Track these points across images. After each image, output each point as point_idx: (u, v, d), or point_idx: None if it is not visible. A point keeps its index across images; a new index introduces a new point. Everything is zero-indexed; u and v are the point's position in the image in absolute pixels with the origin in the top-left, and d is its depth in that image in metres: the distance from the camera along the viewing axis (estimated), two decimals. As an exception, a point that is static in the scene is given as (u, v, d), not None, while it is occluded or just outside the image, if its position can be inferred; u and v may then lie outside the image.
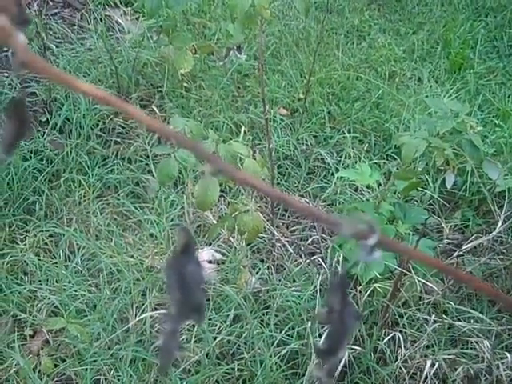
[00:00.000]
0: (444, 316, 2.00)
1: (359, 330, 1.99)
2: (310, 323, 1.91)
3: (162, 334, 0.44)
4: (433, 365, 1.90)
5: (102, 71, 2.98)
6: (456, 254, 2.10)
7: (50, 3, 3.43)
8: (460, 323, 2.00)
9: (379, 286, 2.00)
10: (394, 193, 2.40)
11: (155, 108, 2.76)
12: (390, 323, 2.02)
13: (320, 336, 1.92)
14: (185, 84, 2.87)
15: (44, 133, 2.70)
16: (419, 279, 1.96)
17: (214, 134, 1.76)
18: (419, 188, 2.35)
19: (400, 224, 2.09)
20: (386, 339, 1.93)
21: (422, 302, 2.02)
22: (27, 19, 0.33)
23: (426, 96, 2.93)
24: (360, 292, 2.01)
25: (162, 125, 0.37)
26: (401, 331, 1.98)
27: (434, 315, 1.96)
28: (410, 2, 3.73)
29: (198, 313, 0.44)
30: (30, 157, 2.59)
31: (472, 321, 2.03)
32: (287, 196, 0.39)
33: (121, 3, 3.37)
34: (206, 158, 0.37)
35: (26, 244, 2.31)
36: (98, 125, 2.75)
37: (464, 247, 2.12)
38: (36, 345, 2.07)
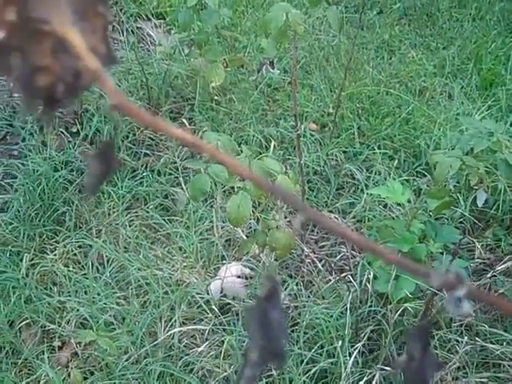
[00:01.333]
0: (476, 338, 1.97)
1: (389, 349, 1.97)
2: (340, 342, 1.89)
3: (242, 379, 0.43)
4: (464, 387, 1.88)
5: (133, 83, 3.00)
6: (489, 274, 2.07)
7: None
8: (492, 346, 1.97)
9: (410, 306, 1.98)
10: (425, 210, 2.38)
11: (185, 121, 2.76)
12: (421, 343, 1.99)
13: (350, 355, 1.90)
14: (215, 97, 2.87)
15: (75, 144, 2.72)
16: (451, 300, 1.93)
17: (248, 149, 1.75)
18: (450, 206, 2.32)
19: (431, 243, 2.06)
20: (417, 360, 1.90)
21: (455, 324, 1.99)
22: (115, 59, 0.33)
23: (457, 113, 2.90)
24: (390, 311, 1.99)
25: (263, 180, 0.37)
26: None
27: (466, 337, 1.93)
28: (440, 17, 3.71)
29: (279, 358, 0.44)
30: (61, 167, 2.60)
31: (505, 343, 2.00)
32: (371, 242, 0.39)
33: (152, 16, 3.39)
34: (299, 208, 0.36)
35: (55, 254, 2.33)
36: (128, 137, 2.76)
37: (497, 268, 2.09)
38: (65, 356, 2.07)
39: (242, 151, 1.74)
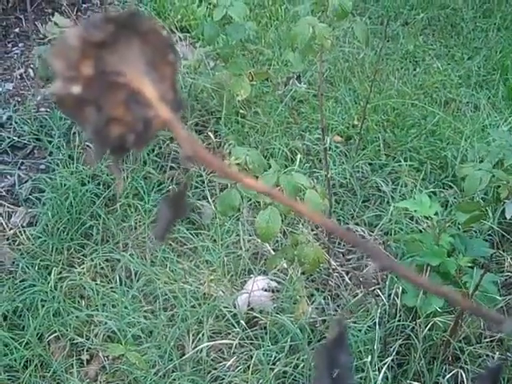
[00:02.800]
0: (508, 353, 1.95)
1: (419, 364, 1.96)
2: (369, 357, 1.88)
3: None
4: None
5: (158, 96, 3.01)
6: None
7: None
8: (524, 361, 1.94)
9: (439, 320, 1.96)
10: (453, 223, 2.36)
11: (211, 134, 2.78)
12: (451, 358, 1.97)
13: (379, 370, 1.89)
14: (240, 110, 2.88)
15: (102, 158, 2.73)
16: (482, 314, 1.91)
17: (276, 164, 1.76)
18: (478, 218, 2.30)
19: (461, 257, 2.05)
20: (448, 376, 1.89)
21: (485, 340, 1.97)
22: (183, 104, 0.33)
23: (484, 125, 2.88)
24: (419, 326, 1.97)
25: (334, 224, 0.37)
26: (462, 367, 1.93)
27: (497, 352, 1.91)
28: (465, 27, 3.70)
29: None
30: (88, 181, 2.62)
31: (536, 358, 1.97)
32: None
33: (177, 29, 3.41)
34: (373, 255, 0.36)
35: (83, 268, 2.34)
36: (154, 150, 2.78)
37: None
38: (93, 370, 2.08)
39: (270, 166, 1.75)
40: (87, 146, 2.77)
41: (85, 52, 0.29)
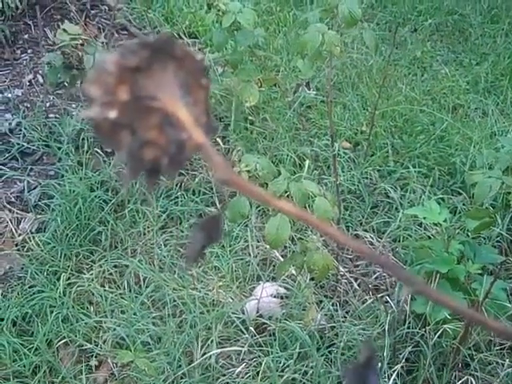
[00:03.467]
0: (518, 361, 1.94)
1: (428, 371, 1.95)
2: (379, 365, 1.88)
3: None
4: (506, 411, 1.85)
5: (166, 102, 3.02)
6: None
7: (116, 35, 3.51)
8: (534, 368, 1.93)
9: (449, 327, 1.95)
10: (462, 230, 2.35)
11: (219, 140, 2.78)
12: (461, 366, 1.97)
13: (388, 378, 1.88)
14: (249, 116, 2.88)
15: (110, 163, 2.75)
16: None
17: (285, 171, 1.76)
18: (487, 225, 2.29)
19: (470, 264, 2.04)
20: (458, 383, 1.88)
21: (495, 347, 1.96)
22: (216, 127, 0.33)
23: (493, 131, 2.87)
24: (429, 333, 1.97)
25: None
26: (472, 374, 1.92)
27: (507, 359, 1.90)
28: (473, 33, 3.69)
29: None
30: (97, 187, 2.63)
31: (547, 366, 1.96)
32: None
33: (185, 35, 3.42)
34: (405, 280, 0.36)
35: (92, 274, 2.34)
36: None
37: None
38: (102, 376, 2.08)
39: (279, 173, 1.75)
40: (96, 151, 2.78)
41: (121, 77, 0.29)
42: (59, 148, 2.81)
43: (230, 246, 2.38)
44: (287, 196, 1.74)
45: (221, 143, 2.75)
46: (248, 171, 1.64)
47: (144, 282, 2.30)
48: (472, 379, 1.88)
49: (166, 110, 0.30)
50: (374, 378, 0.42)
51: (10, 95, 3.15)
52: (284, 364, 2.01)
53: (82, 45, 2.65)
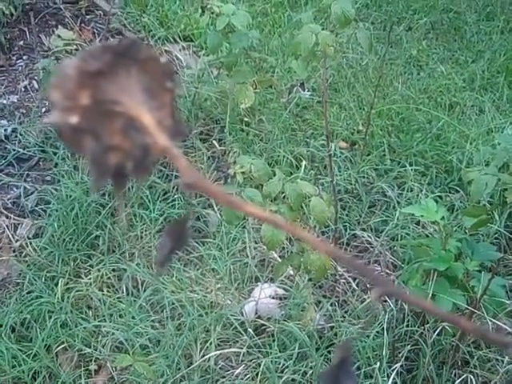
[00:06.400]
0: (517, 357, 1.94)
1: (428, 369, 1.95)
2: (378, 363, 1.87)
3: None
4: (506, 408, 1.85)
5: (162, 106, 3.01)
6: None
7: (111, 40, 3.51)
8: (534, 365, 1.93)
9: (448, 325, 1.95)
10: (459, 227, 2.35)
11: (215, 142, 2.78)
12: (460, 363, 1.97)
13: (388, 376, 1.88)
14: (244, 118, 2.88)
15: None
16: (490, 319, 1.90)
17: (281, 172, 1.76)
18: (485, 222, 2.29)
19: (468, 261, 2.04)
20: (458, 381, 1.88)
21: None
22: (183, 132, 0.33)
23: (489, 128, 2.87)
24: (428, 331, 1.97)
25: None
26: (471, 372, 1.92)
27: (506, 356, 1.90)
28: (468, 31, 3.69)
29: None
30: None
31: (546, 362, 1.96)
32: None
33: (180, 38, 3.42)
34: (375, 280, 0.36)
35: (90, 278, 2.34)
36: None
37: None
38: (101, 380, 2.08)
39: (275, 174, 1.75)
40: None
41: (81, 82, 0.29)
42: (55, 153, 2.80)
43: (228, 248, 2.38)
44: (283, 197, 1.74)
45: (217, 145, 2.75)
46: (243, 172, 1.64)
47: (142, 285, 2.29)
48: (472, 377, 1.88)
49: (130, 114, 0.30)
50: (349, 380, 0.42)
51: (5, 101, 3.15)
52: (283, 365, 2.01)
53: (76, 50, 2.65)
